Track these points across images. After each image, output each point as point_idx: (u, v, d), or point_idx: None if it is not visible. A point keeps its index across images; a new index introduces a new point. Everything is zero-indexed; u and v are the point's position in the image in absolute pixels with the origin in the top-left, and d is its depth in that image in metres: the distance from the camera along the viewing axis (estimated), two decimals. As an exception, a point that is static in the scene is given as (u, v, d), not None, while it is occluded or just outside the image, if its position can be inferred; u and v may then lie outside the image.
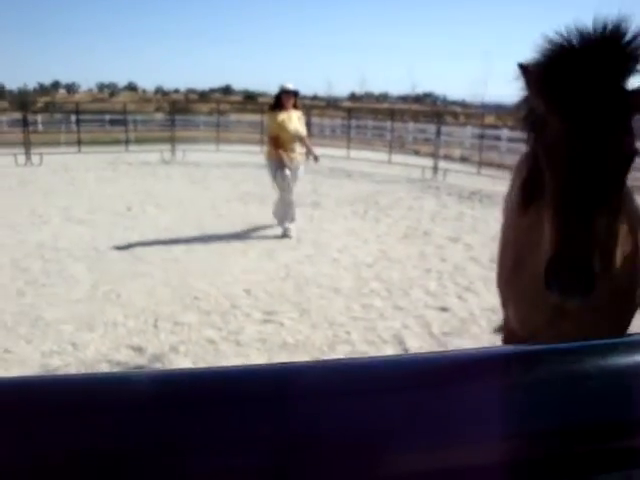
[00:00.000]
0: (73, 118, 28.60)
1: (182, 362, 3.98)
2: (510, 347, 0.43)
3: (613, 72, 1.41)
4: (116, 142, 17.92)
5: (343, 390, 0.34)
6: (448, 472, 0.35)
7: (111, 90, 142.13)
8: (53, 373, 3.71)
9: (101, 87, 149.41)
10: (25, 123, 15.73)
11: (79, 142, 15.83)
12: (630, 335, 0.44)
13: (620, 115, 1.42)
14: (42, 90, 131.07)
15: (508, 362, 0.39)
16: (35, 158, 14.64)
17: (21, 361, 3.96)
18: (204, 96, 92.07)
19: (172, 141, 16.41)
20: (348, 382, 0.35)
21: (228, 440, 0.29)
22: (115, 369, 3.84)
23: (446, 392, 0.36)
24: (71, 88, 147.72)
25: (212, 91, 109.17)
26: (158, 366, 3.98)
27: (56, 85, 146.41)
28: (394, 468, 0.33)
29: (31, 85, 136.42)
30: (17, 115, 36.90)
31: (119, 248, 6.88)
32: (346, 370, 0.37)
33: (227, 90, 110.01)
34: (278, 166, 7.11)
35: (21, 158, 14.57)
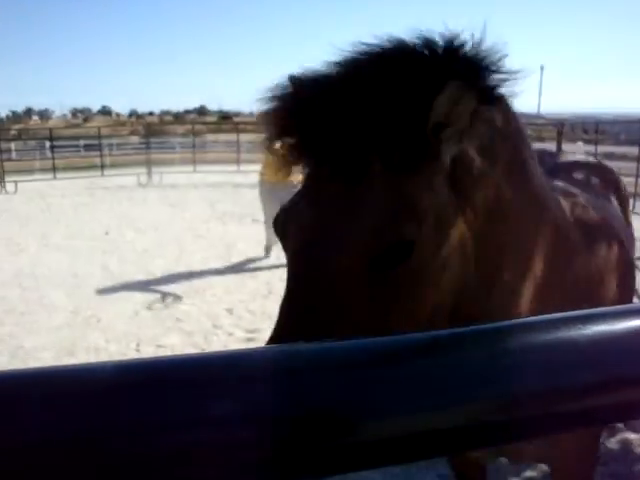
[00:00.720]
0: (47, 144, 28.44)
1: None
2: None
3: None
4: (92, 167, 17.85)
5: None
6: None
7: (85, 115, 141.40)
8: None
9: (75, 112, 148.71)
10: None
11: (54, 168, 15.76)
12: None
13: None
14: (15, 117, 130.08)
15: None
16: (10, 186, 14.53)
17: None
18: (179, 117, 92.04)
19: (148, 164, 16.38)
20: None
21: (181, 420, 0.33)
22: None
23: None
24: (44, 114, 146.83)
25: (187, 112, 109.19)
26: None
27: (29, 112, 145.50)
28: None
29: (3, 113, 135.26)
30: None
31: (98, 273, 6.85)
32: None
33: (202, 111, 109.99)
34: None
35: (-5, 188, 14.49)
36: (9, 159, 18.24)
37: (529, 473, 2.88)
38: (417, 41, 1.06)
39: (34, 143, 36.07)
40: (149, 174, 16.12)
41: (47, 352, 4.55)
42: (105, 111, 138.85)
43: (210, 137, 27.79)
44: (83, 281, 6.56)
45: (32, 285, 6.44)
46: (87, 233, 9.09)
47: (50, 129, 21.08)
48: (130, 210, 11.32)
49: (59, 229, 9.54)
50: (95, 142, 21.71)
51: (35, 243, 8.53)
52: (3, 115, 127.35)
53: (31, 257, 7.73)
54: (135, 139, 34.89)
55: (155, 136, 24.23)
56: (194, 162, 17.74)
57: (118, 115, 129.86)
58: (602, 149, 15.52)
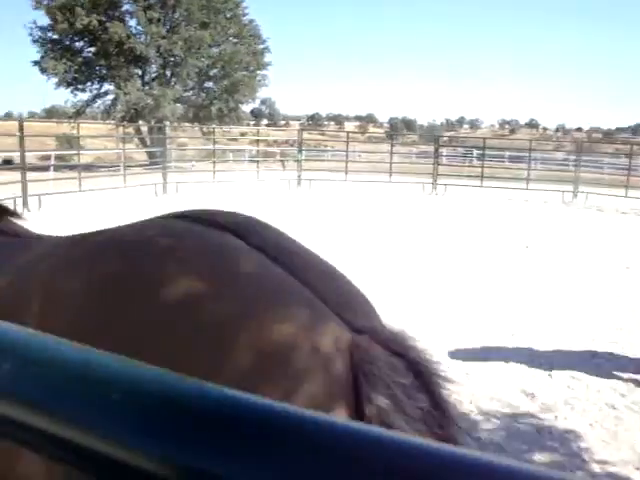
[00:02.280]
0: (474, 152, 29.75)
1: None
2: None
3: None
4: (515, 179, 17.96)
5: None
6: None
7: (512, 127, 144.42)
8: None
9: (502, 123, 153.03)
10: (436, 155, 16.89)
11: (482, 176, 16.30)
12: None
13: None
14: (448, 125, 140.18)
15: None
16: (440, 188, 15.60)
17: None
18: (609, 135, 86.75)
19: (575, 182, 15.69)
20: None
21: None
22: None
23: None
24: (474, 124, 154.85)
25: (619, 130, 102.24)
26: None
27: (461, 121, 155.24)
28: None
29: (439, 120, 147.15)
30: (424, 147, 40.01)
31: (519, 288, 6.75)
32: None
33: (637, 129, 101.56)
34: None
35: (428, 187, 15.69)
36: (439, 163, 19.61)
37: None
38: None
39: (463, 150, 38.40)
40: (575, 193, 15.45)
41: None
42: (532, 124, 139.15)
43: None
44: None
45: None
46: (506, 244, 9.11)
47: (484, 139, 21.92)
48: (553, 226, 10.98)
49: (476, 235, 9.79)
50: (520, 154, 21.79)
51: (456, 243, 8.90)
52: (438, 122, 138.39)
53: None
54: (560, 155, 34.02)
55: (585, 153, 23.17)
56: (626, 185, 16.28)
57: (545, 129, 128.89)
58: None
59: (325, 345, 1.03)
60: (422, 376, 1.07)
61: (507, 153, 34.01)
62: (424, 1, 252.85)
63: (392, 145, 20.73)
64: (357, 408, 1.01)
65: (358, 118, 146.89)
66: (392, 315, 4.41)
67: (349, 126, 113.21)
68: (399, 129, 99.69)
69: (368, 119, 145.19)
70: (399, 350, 1.07)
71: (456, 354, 4.62)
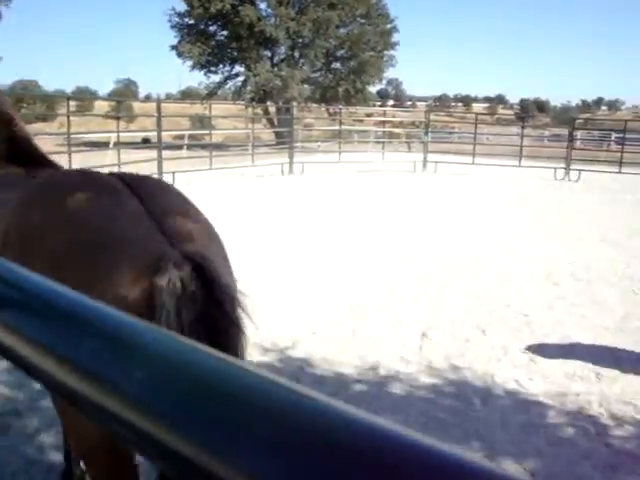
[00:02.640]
0: (613, 136, 27.87)
1: None
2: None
3: None
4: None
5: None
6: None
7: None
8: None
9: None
10: (570, 138, 15.99)
11: (621, 162, 15.23)
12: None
13: None
14: (584, 106, 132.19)
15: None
16: (573, 174, 14.78)
17: (543, 373, 3.92)
18: None
19: None
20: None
21: None
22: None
23: None
24: (614, 105, 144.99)
25: None
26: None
27: (599, 102, 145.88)
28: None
29: (574, 101, 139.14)
30: (557, 130, 38.05)
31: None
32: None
33: None
34: None
35: (560, 173, 14.91)
36: (573, 147, 18.53)
37: None
38: None
39: (598, 133, 36.08)
40: None
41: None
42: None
43: None
44: (636, 284, 6.11)
45: (584, 277, 6.33)
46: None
47: (625, 121, 20.47)
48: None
49: (617, 225, 9.18)
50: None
51: (593, 236, 8.40)
52: (573, 104, 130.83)
53: (587, 250, 7.62)
54: None
55: None
56: None
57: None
58: None
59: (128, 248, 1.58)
60: (206, 280, 1.47)
61: (650, 137, 31.57)
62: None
63: (522, 127, 19.84)
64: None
65: (487, 99, 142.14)
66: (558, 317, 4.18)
67: (477, 107, 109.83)
68: (530, 111, 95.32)
69: (497, 100, 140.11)
70: (196, 262, 1.48)
71: (586, 353, 4.38)
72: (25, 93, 55.82)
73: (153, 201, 1.71)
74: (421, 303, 5.31)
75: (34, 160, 2.41)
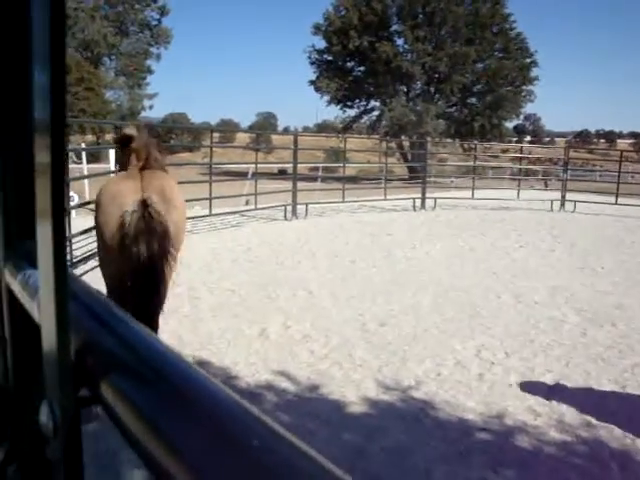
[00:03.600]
0: None
1: None
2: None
3: None
4: None
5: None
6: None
7: None
8: None
9: None
10: None
11: None
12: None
13: None
14: None
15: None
16: None
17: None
18: None
19: None
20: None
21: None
22: None
23: None
24: None
25: None
26: None
27: None
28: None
29: None
30: None
31: None
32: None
33: None
34: None
35: None
36: None
37: None
38: None
39: None
40: None
41: None
42: None
43: None
44: None
45: None
46: None
47: None
48: None
49: None
50: None
51: None
52: None
53: None
54: None
55: None
56: None
57: None
58: None
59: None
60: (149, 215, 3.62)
61: None
62: None
63: (675, 166, 18.44)
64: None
65: (633, 135, 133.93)
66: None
67: (622, 144, 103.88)
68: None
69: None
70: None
71: None
72: (174, 126, 59.89)
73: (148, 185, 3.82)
74: (553, 351, 5.02)
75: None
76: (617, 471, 3.23)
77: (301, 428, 3.53)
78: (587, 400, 4.07)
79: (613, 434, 3.60)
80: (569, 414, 3.85)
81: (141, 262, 3.56)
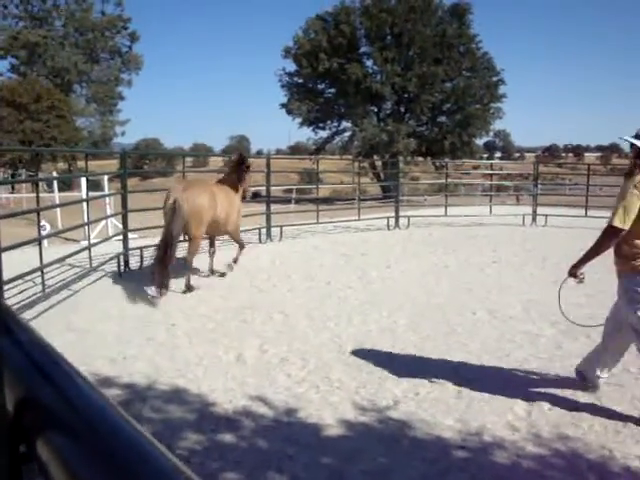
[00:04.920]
0: None
1: None
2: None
3: None
4: None
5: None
6: None
7: None
8: None
9: None
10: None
11: None
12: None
13: None
14: None
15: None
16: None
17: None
18: None
19: None
20: None
21: None
22: None
23: None
24: None
25: None
26: None
27: None
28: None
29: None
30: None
31: None
32: None
33: None
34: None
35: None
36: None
37: None
38: None
39: None
40: None
41: None
42: None
43: None
44: None
45: None
46: None
47: None
48: None
49: None
50: None
51: None
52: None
53: None
54: None
55: None
56: None
57: None
58: None
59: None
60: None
61: None
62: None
63: None
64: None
65: (600, 148, 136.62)
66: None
67: (590, 157, 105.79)
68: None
69: (611, 149, 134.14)
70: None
71: None
72: (147, 152, 59.60)
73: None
74: (530, 365, 5.06)
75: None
76: (595, 483, 3.25)
77: (280, 454, 3.51)
78: (564, 413, 4.11)
79: (590, 446, 3.63)
80: (546, 428, 3.87)
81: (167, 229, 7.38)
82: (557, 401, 4.30)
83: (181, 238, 7.86)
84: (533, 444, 3.65)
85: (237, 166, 8.53)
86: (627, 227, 3.89)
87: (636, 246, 3.96)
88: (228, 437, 3.71)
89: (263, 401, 4.26)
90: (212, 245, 8.84)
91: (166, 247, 7.17)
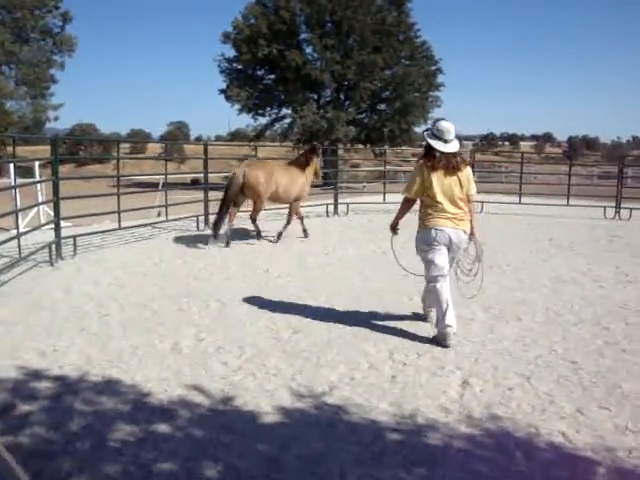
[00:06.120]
0: (667, 173, 27.12)
1: None
2: None
3: None
4: None
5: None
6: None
7: None
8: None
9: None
10: (620, 176, 15.63)
11: (674, 199, 14.77)
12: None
13: None
14: (635, 142, 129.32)
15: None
16: (624, 212, 14.40)
17: (592, 426, 3.73)
18: None
19: None
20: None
21: None
22: None
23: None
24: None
25: None
26: None
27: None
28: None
29: (625, 138, 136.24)
30: (608, 168, 37.25)
31: None
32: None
33: None
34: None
35: (610, 211, 14.54)
36: (624, 185, 18.05)
37: None
38: None
39: (651, 170, 35.13)
40: None
41: (646, 402, 4.14)
42: None
43: None
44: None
45: (637, 322, 6.08)
46: None
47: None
48: None
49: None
50: None
51: (644, 277, 8.10)
52: (624, 140, 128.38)
53: (639, 291, 7.35)
54: None
55: None
56: None
57: None
58: None
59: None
60: None
61: None
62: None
63: (570, 165, 19.51)
64: None
65: (534, 137, 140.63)
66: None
67: (525, 146, 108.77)
68: (579, 148, 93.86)
69: (545, 138, 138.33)
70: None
71: (639, 405, 4.15)
72: (82, 137, 57.77)
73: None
74: (464, 348, 5.17)
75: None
76: (522, 459, 3.36)
77: (215, 442, 3.48)
78: (495, 394, 4.22)
79: (518, 425, 3.75)
80: (478, 409, 3.97)
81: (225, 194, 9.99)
82: (489, 383, 4.42)
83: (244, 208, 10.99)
84: (465, 425, 3.74)
85: (307, 153, 10.75)
86: (413, 196, 5.45)
87: (423, 210, 5.44)
88: (163, 427, 3.66)
89: (199, 390, 4.21)
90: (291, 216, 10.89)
91: (222, 207, 9.99)
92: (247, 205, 11.08)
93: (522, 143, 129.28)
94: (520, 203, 15.57)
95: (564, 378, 4.53)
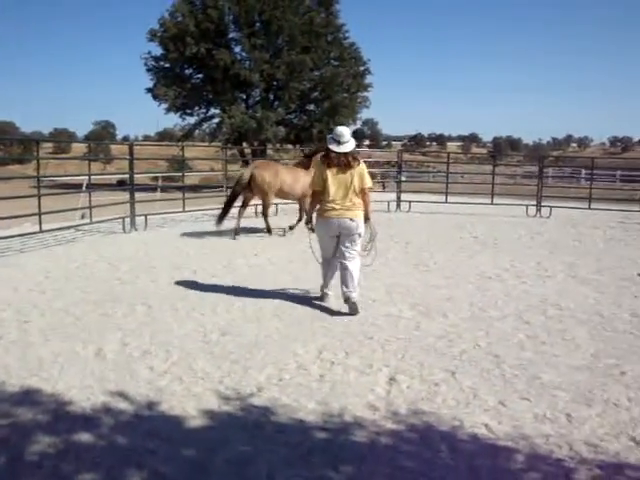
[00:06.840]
0: (583, 172, 28.42)
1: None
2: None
3: None
4: (628, 200, 16.91)
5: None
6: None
7: (624, 144, 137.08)
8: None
9: (614, 141, 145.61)
10: (540, 175, 16.24)
11: (590, 198, 15.47)
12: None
13: None
14: (555, 144, 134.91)
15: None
16: (544, 210, 14.97)
17: (513, 417, 3.86)
18: None
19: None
20: None
21: None
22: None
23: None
24: (583, 142, 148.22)
25: None
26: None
27: (568, 139, 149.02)
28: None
29: (545, 139, 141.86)
30: (530, 168, 38.68)
31: (626, 318, 6.29)
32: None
33: None
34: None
35: (532, 209, 15.09)
36: (545, 184, 18.78)
37: None
38: None
39: (570, 170, 36.78)
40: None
41: (562, 392, 4.31)
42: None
43: None
44: (608, 323, 6.11)
45: (556, 315, 6.33)
46: (618, 271, 8.54)
47: (592, 158, 20.75)
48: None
49: (588, 261, 9.24)
50: (633, 173, 20.53)
51: (562, 272, 8.44)
52: (544, 141, 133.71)
53: (557, 286, 7.65)
54: (679, 174, 31.85)
55: None
56: None
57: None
58: None
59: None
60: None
61: (619, 172, 32.30)
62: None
63: (494, 165, 20.12)
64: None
65: (461, 138, 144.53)
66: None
67: (451, 146, 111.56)
68: (503, 149, 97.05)
69: (471, 139, 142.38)
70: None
71: (556, 394, 4.31)
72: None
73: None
74: (390, 346, 5.25)
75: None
76: (447, 452, 3.44)
77: (140, 449, 3.40)
78: (420, 390, 4.30)
79: (443, 419, 3.83)
80: (404, 405, 4.04)
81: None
82: (415, 379, 4.50)
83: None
84: (391, 421, 3.80)
85: (312, 154, 11.36)
86: (316, 188, 6.30)
87: (320, 203, 6.31)
88: (85, 437, 3.54)
89: (123, 396, 4.10)
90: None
91: (227, 203, 11.18)
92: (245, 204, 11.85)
93: (449, 143, 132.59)
94: (447, 202, 15.95)
95: (487, 372, 4.67)
